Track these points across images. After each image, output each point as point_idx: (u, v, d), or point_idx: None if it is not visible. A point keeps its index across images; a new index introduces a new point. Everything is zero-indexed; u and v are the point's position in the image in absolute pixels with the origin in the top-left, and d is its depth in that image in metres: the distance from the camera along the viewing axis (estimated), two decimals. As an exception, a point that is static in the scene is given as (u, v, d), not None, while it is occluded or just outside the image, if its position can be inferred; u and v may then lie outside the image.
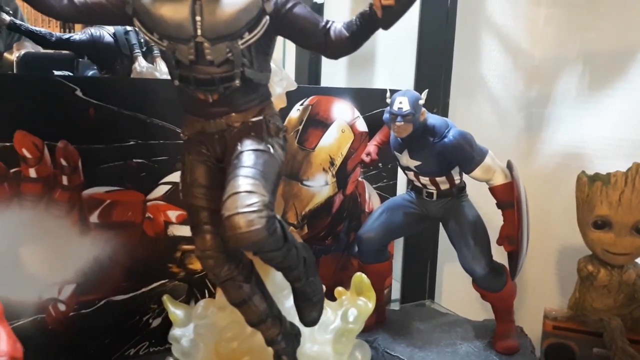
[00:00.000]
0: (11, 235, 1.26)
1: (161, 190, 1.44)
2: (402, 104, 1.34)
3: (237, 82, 0.96)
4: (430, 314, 1.75)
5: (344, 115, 1.70)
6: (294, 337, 1.11)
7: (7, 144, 1.24)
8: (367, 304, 1.20)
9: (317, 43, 0.99)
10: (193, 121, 1.03)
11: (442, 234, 1.93)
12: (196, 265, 1.51)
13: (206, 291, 1.54)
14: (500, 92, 1.94)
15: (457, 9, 1.95)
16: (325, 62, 2.72)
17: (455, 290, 2.06)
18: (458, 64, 2.00)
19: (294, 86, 1.26)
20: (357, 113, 1.73)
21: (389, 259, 1.60)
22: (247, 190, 0.86)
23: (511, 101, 1.90)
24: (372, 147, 1.60)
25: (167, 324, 1.43)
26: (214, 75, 0.96)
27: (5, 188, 1.25)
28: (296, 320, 1.14)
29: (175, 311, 1.25)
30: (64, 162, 1.30)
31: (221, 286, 1.02)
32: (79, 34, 1.80)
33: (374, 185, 1.82)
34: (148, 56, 1.88)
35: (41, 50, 1.80)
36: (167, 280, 1.48)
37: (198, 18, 0.92)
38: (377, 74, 2.52)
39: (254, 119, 1.00)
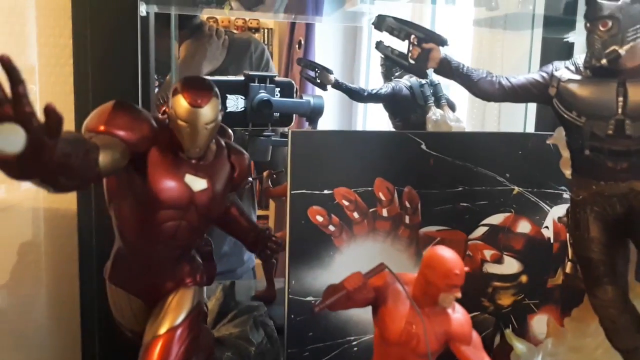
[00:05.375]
0: (365, 263, 1.53)
1: (480, 231, 1.60)
2: None
3: None
4: None
5: None
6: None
7: (369, 188, 1.51)
8: None
9: None
10: (588, 183, 1.15)
11: None
12: (504, 301, 1.64)
13: (510, 326, 1.65)
14: None
15: None
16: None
17: None
18: None
19: None
20: None
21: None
22: None
23: None
24: None
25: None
26: (630, 147, 1.08)
27: (365, 224, 1.52)
28: None
29: (518, 345, 1.39)
30: (408, 204, 1.54)
31: (616, 334, 1.12)
32: (384, 87, 2.08)
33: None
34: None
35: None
36: (478, 313, 1.63)
37: (620, 99, 1.06)
38: None
39: None
